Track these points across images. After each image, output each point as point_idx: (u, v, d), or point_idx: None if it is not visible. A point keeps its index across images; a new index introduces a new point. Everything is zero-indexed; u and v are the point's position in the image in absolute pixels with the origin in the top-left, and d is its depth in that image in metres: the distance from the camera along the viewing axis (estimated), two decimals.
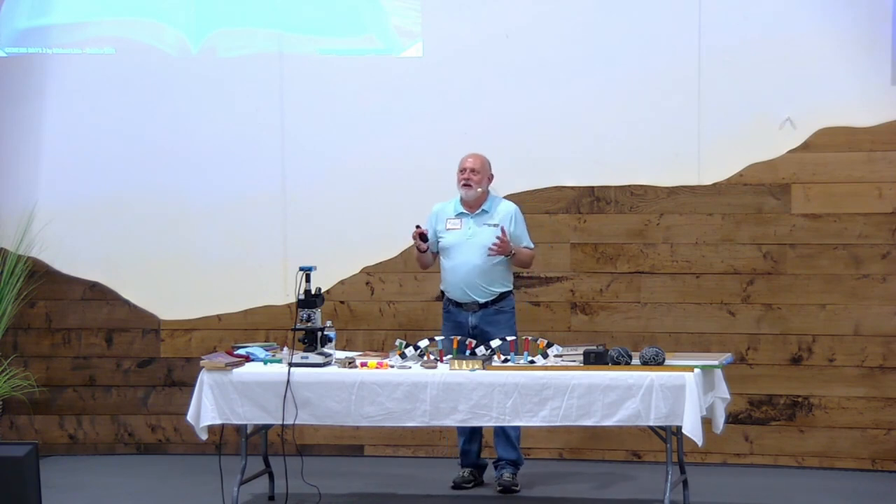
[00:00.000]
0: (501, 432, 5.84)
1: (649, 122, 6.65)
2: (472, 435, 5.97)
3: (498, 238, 5.73)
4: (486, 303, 5.83)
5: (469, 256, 5.84)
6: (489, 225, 5.85)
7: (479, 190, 5.91)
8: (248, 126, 6.98)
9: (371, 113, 6.90)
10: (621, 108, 6.69)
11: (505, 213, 5.91)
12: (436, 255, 5.98)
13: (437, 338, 5.60)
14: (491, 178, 5.96)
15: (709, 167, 6.59)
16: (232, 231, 7.01)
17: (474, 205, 5.91)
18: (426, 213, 6.65)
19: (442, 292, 6.02)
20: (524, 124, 6.74)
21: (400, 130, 6.88)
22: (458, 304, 5.86)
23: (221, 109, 6.99)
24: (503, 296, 5.89)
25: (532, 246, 5.98)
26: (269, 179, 6.98)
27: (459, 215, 5.91)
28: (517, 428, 5.79)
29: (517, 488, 5.93)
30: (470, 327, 5.82)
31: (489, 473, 6.14)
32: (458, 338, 5.55)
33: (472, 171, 5.86)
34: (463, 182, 5.87)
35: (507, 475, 5.95)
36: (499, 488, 5.94)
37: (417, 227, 5.84)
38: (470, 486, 6.02)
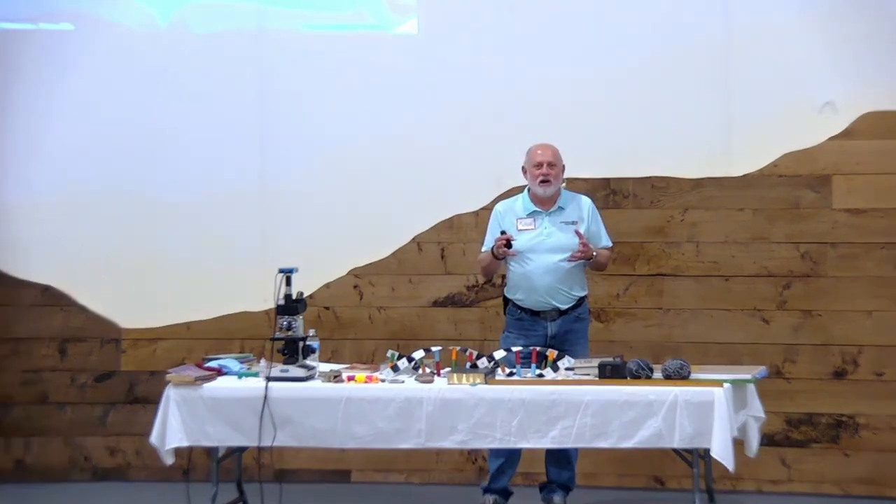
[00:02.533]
0: (557, 450, 5.78)
1: (672, 106, 6.65)
2: (512, 455, 5.90)
3: (580, 245, 5.72)
4: (567, 309, 5.84)
5: (548, 260, 5.80)
6: (567, 223, 5.83)
7: (562, 185, 5.91)
8: (222, 111, 7.00)
9: (360, 96, 6.92)
10: (640, 90, 6.68)
11: (583, 208, 5.91)
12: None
13: (433, 348, 5.58)
14: (563, 168, 5.93)
15: (739, 156, 6.59)
16: (203, 228, 7.02)
17: (548, 201, 5.87)
18: (423, 208, 6.86)
19: (506, 299, 5.97)
20: (530, 108, 6.73)
21: (393, 116, 6.90)
22: (534, 314, 5.85)
23: (192, 93, 7.00)
24: (581, 300, 5.91)
25: (610, 244, 6.01)
26: (245, 171, 7.00)
27: (532, 214, 5.87)
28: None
29: None
30: (549, 337, 5.82)
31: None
32: (457, 349, 5.53)
33: (550, 164, 5.83)
34: (541, 178, 5.82)
35: (557, 499, 5.95)
36: None
37: (503, 232, 5.77)
38: None
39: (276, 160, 6.97)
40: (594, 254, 5.79)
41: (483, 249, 5.98)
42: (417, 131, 6.86)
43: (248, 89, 6.96)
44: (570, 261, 5.76)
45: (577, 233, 5.76)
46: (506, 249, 5.74)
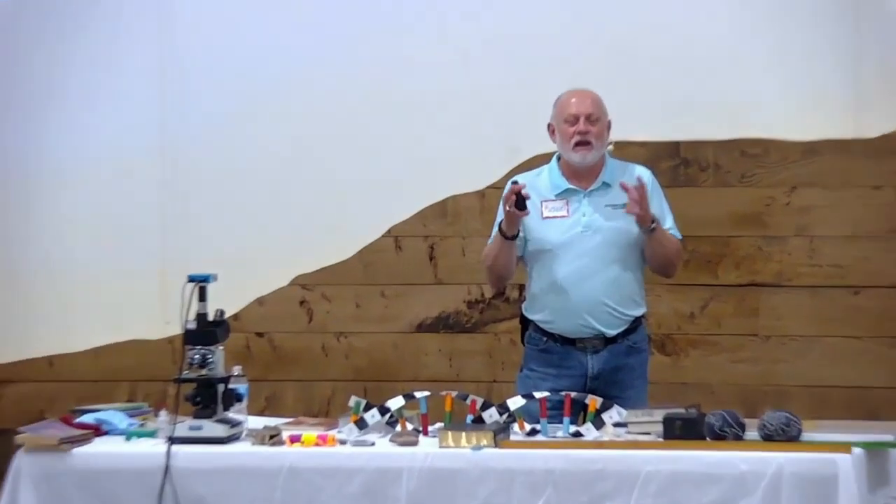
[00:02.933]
0: None
1: (773, 37, 6.79)
2: None
3: (635, 189, 5.64)
4: (616, 336, 5.85)
5: (588, 261, 5.80)
6: (615, 207, 5.78)
7: (608, 150, 5.91)
8: (104, 47, 7.16)
9: (310, 25, 7.07)
10: (725, 14, 6.83)
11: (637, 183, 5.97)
12: (520, 258, 5.99)
13: (418, 394, 5.45)
14: (609, 126, 5.93)
15: (871, 110, 6.69)
16: (73, 218, 7.15)
17: (587, 175, 5.83)
18: (402, 186, 7.01)
19: (525, 321, 6.00)
20: (565, 46, 6.85)
21: (358, 54, 7.02)
22: (568, 342, 5.85)
23: (56, 27, 7.14)
24: (637, 322, 5.91)
25: (680, 236, 5.99)
26: (138, 133, 7.12)
27: (564, 194, 5.83)
28: None
29: None
30: (590, 377, 5.82)
31: None
32: (454, 394, 5.47)
33: (590, 118, 5.79)
34: (577, 139, 5.77)
35: None
36: None
37: (514, 182, 5.72)
38: None
39: (182, 117, 7.08)
40: (653, 223, 5.71)
41: (490, 242, 5.95)
42: (395, 77, 6.98)
43: (142, 15, 7.09)
44: (625, 212, 5.67)
45: (624, 185, 5.67)
46: (516, 210, 5.66)
